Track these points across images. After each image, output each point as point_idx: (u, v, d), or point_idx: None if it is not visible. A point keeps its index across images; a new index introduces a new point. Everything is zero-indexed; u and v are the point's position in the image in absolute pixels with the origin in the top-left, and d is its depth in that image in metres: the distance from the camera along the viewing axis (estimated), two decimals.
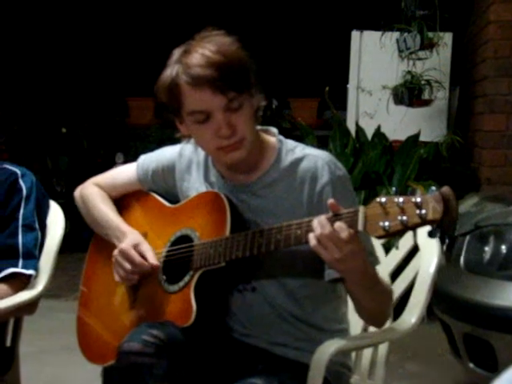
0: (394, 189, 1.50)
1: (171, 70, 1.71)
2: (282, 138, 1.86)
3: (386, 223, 1.44)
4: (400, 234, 1.47)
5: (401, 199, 1.44)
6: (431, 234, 1.43)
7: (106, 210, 2.04)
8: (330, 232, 1.52)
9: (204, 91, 1.67)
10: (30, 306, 2.15)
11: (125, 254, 1.86)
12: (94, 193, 2.08)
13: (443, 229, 1.41)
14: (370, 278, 1.65)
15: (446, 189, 1.41)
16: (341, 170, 1.78)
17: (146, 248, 1.88)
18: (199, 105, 1.69)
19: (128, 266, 1.85)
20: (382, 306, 1.75)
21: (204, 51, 1.67)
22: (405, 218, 1.42)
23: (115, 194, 2.10)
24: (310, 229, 1.57)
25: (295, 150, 1.82)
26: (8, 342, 2.27)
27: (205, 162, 1.91)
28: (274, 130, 1.88)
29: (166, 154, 2.01)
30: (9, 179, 2.18)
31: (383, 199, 1.46)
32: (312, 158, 1.78)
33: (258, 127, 1.85)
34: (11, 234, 2.13)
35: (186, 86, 1.68)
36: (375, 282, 1.68)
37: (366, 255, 1.62)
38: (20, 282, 2.12)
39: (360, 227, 1.49)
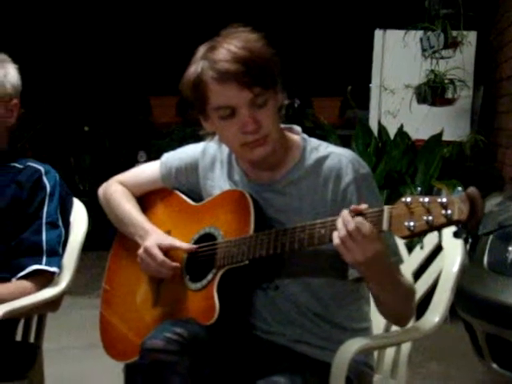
0: (418, 189, 1.50)
1: (196, 66, 1.72)
2: (305, 136, 1.86)
3: (411, 223, 1.44)
4: (425, 234, 1.47)
5: (426, 199, 1.43)
6: (456, 235, 1.43)
7: (129, 209, 2.05)
8: (354, 232, 1.51)
9: (230, 86, 1.67)
10: (53, 303, 2.17)
11: (148, 252, 1.87)
12: (117, 191, 2.09)
13: (468, 229, 1.40)
14: (393, 279, 1.64)
15: (472, 189, 1.40)
16: (364, 168, 1.78)
17: (171, 240, 1.89)
18: (225, 100, 1.69)
19: (152, 263, 1.86)
20: (404, 306, 1.74)
21: (230, 47, 1.68)
22: (430, 218, 1.42)
23: (138, 192, 2.10)
24: (334, 228, 1.57)
25: (319, 148, 1.81)
26: (32, 339, 2.29)
27: (228, 159, 1.91)
28: (298, 128, 1.88)
29: (189, 151, 2.02)
30: (33, 177, 2.20)
31: (408, 199, 1.46)
32: (336, 156, 1.77)
33: (282, 125, 1.85)
34: (35, 231, 2.14)
35: (212, 81, 1.69)
36: (397, 282, 1.67)
37: (389, 256, 1.61)
38: (44, 279, 2.13)
39: (385, 227, 1.48)
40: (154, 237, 1.91)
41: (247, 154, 1.76)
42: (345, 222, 1.54)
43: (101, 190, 2.14)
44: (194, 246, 1.86)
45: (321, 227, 1.61)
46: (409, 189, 4.23)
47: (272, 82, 1.72)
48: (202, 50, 1.74)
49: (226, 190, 1.88)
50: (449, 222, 1.40)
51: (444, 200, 1.41)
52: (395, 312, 1.74)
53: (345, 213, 1.55)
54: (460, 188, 1.41)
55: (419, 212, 1.44)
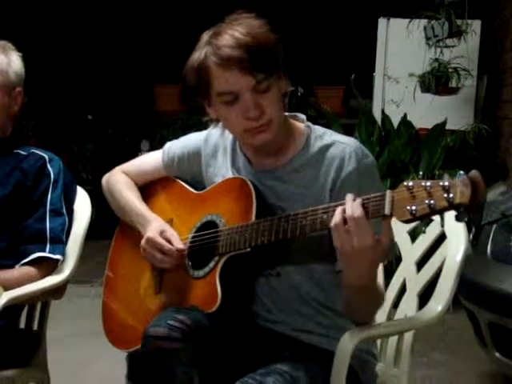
0: (420, 173, 1.49)
1: (200, 52, 1.72)
2: (310, 124, 1.85)
3: (413, 207, 1.43)
4: (427, 217, 1.46)
5: (428, 183, 1.43)
6: (458, 218, 1.42)
7: (131, 197, 2.05)
8: (350, 219, 1.51)
9: (233, 72, 1.67)
10: (57, 291, 2.17)
11: (152, 243, 1.87)
12: (120, 180, 2.10)
13: (470, 212, 1.40)
14: (369, 280, 1.62)
15: (474, 173, 1.39)
16: (368, 157, 1.77)
17: (171, 233, 1.89)
18: (228, 85, 1.69)
19: (158, 254, 1.86)
20: (367, 309, 1.73)
21: (233, 33, 1.68)
22: (432, 201, 1.41)
23: (142, 181, 2.11)
24: None
25: (324, 137, 1.81)
26: (35, 326, 2.29)
27: (232, 146, 1.91)
28: (302, 116, 1.88)
29: (191, 140, 2.02)
30: (37, 164, 2.20)
31: (410, 183, 1.45)
32: (340, 144, 1.77)
33: (286, 113, 1.85)
34: (39, 218, 2.14)
35: (215, 66, 1.68)
36: (373, 286, 1.66)
37: (377, 258, 1.59)
38: (47, 267, 2.13)
39: (387, 211, 1.48)
40: (155, 226, 1.91)
41: (250, 139, 1.76)
42: (342, 210, 1.54)
43: (104, 180, 2.14)
44: (185, 249, 1.86)
45: (323, 212, 1.61)
46: (412, 178, 4.23)
47: (275, 68, 1.72)
48: (205, 36, 1.74)
49: (227, 177, 1.88)
50: (451, 205, 1.40)
51: (446, 183, 1.40)
52: (356, 312, 1.73)
53: (349, 197, 1.54)
54: (462, 172, 1.40)
55: (421, 196, 1.43)
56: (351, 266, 1.59)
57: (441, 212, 1.43)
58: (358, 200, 1.53)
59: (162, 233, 1.88)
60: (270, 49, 1.70)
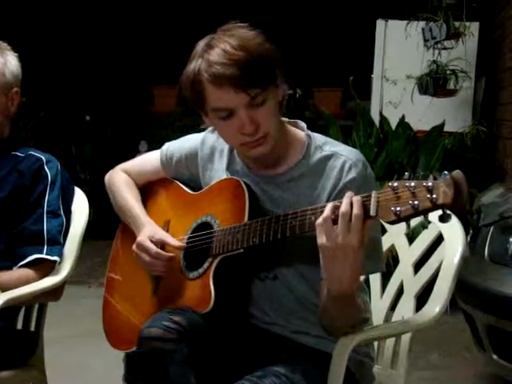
0: (406, 173, 1.49)
1: (194, 66, 1.69)
2: (310, 132, 1.84)
3: (398, 208, 1.43)
4: (411, 218, 1.46)
5: (412, 184, 1.42)
6: (442, 219, 1.42)
7: (129, 198, 2.06)
8: (342, 215, 1.50)
9: (226, 90, 1.65)
10: (54, 292, 2.17)
11: (141, 247, 1.88)
12: (120, 179, 2.10)
13: (453, 213, 1.40)
14: (349, 288, 1.59)
15: (456, 173, 1.39)
16: (367, 169, 1.76)
17: (162, 235, 1.89)
18: (222, 102, 1.68)
19: (147, 257, 1.87)
20: (342, 320, 1.69)
21: (226, 46, 1.65)
22: (416, 202, 1.41)
23: (142, 180, 2.12)
24: None
25: (324, 147, 1.80)
26: (32, 327, 2.29)
27: (229, 150, 1.91)
28: (303, 124, 1.86)
29: (189, 141, 2.02)
30: (34, 165, 2.19)
31: (395, 184, 1.45)
32: (340, 157, 1.76)
33: (286, 119, 1.84)
34: (36, 220, 2.14)
35: (208, 83, 1.66)
36: (351, 296, 1.62)
37: (360, 266, 1.57)
38: (45, 268, 2.13)
39: (372, 212, 1.48)
40: (146, 230, 1.92)
41: (246, 152, 1.76)
42: (334, 206, 1.53)
43: (106, 178, 2.16)
44: (183, 245, 1.87)
45: (312, 214, 1.61)
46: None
47: (271, 79, 1.69)
48: (199, 46, 1.71)
49: (222, 178, 1.88)
50: (434, 206, 1.40)
51: (429, 184, 1.40)
52: (331, 320, 1.70)
53: (348, 194, 1.54)
54: (446, 172, 1.40)
55: (405, 196, 1.43)
56: (332, 266, 1.56)
57: (424, 213, 1.43)
58: (358, 198, 1.53)
59: (152, 237, 1.89)
60: (263, 62, 1.67)
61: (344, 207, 1.51)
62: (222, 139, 1.90)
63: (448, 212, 1.41)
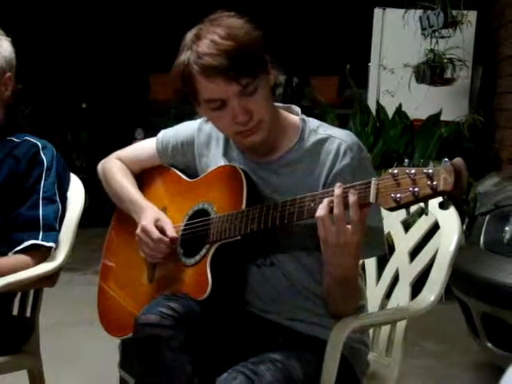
0: (406, 160, 1.49)
1: (184, 58, 1.69)
2: (304, 117, 1.84)
3: (398, 195, 1.43)
4: (411, 205, 1.46)
5: (412, 170, 1.42)
6: (442, 206, 1.42)
7: (126, 184, 2.05)
8: (337, 212, 1.52)
9: (217, 81, 1.64)
10: (50, 278, 2.16)
11: (145, 231, 1.87)
12: (115, 166, 2.10)
13: (453, 200, 1.40)
14: (349, 270, 1.62)
15: (457, 160, 1.39)
16: (363, 151, 1.76)
17: (165, 221, 1.89)
18: (214, 93, 1.67)
19: (151, 242, 1.86)
20: (346, 301, 1.73)
21: (214, 37, 1.64)
22: (416, 189, 1.41)
23: (137, 168, 2.11)
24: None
25: (318, 130, 1.80)
26: (28, 313, 2.29)
27: (226, 137, 1.90)
28: (297, 108, 1.86)
29: (185, 128, 2.02)
30: (30, 151, 2.19)
31: (395, 170, 1.45)
32: (335, 139, 1.76)
33: (280, 104, 1.84)
34: (32, 206, 2.14)
35: (199, 75, 1.66)
36: (352, 277, 1.66)
37: (360, 253, 1.60)
38: (40, 254, 2.13)
39: (372, 199, 1.48)
40: (149, 214, 1.91)
41: (241, 141, 1.77)
42: (329, 201, 1.54)
43: (100, 166, 2.15)
44: (176, 236, 1.86)
45: (310, 201, 1.61)
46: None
47: (261, 66, 1.69)
48: (188, 37, 1.70)
49: (220, 165, 1.88)
50: (434, 192, 1.40)
51: (430, 171, 1.40)
52: (336, 303, 1.74)
53: (337, 187, 1.54)
54: (446, 159, 1.40)
55: (405, 183, 1.43)
56: (334, 257, 1.58)
57: (425, 199, 1.43)
58: (340, 193, 1.53)
59: (156, 221, 1.88)
60: (252, 50, 1.66)
61: (337, 210, 1.52)
62: None
63: (448, 199, 1.42)
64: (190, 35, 1.71)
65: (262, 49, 1.70)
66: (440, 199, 1.42)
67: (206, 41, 1.65)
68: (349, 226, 1.53)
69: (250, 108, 1.68)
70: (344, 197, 1.52)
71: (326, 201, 1.55)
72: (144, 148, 2.11)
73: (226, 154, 1.90)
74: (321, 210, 1.54)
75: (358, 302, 1.79)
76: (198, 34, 1.69)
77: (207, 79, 1.65)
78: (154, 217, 1.90)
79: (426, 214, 1.50)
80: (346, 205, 1.52)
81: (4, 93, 2.20)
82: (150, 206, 1.96)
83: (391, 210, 1.47)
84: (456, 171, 1.38)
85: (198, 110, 1.80)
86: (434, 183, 1.39)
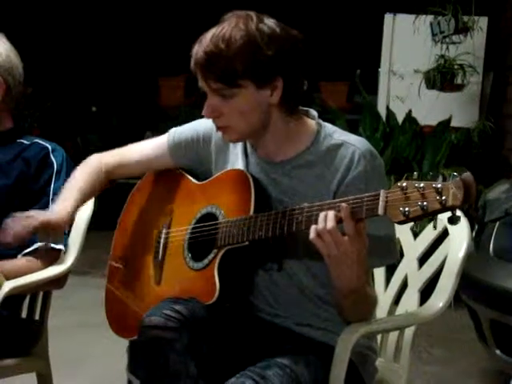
0: (415, 173, 1.49)
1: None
2: (320, 121, 1.84)
3: (407, 208, 1.44)
4: (420, 219, 1.46)
5: (421, 184, 1.43)
6: (452, 221, 1.43)
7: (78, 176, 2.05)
8: (333, 227, 1.53)
9: (198, 72, 1.72)
10: (59, 281, 2.17)
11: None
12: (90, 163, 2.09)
13: (459, 209, 1.41)
14: (357, 281, 1.62)
15: (466, 175, 1.40)
16: (376, 159, 1.76)
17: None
18: (199, 82, 1.74)
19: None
20: (359, 312, 1.74)
21: (209, 35, 1.69)
22: (425, 203, 1.42)
23: (142, 167, 2.08)
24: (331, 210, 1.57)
25: (333, 135, 1.80)
26: (37, 316, 2.30)
27: None
28: (314, 112, 1.86)
29: (200, 124, 1.99)
30: (40, 154, 2.20)
31: (404, 184, 1.46)
32: (349, 146, 1.75)
33: (299, 108, 1.84)
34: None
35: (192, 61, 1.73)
36: (361, 288, 1.66)
37: (365, 260, 1.60)
38: (50, 257, 2.14)
39: (380, 211, 1.48)
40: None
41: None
42: (326, 217, 1.56)
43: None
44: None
45: (318, 210, 1.61)
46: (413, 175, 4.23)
47: (246, 79, 1.68)
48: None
49: (228, 169, 1.88)
50: (443, 207, 1.40)
51: (439, 185, 1.40)
52: (348, 314, 1.74)
53: (342, 206, 1.55)
54: (455, 173, 1.41)
55: (414, 197, 1.43)
56: (338, 270, 1.60)
57: (433, 214, 1.44)
58: (331, 213, 1.55)
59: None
60: (237, 61, 1.65)
61: (329, 225, 1.54)
62: None
63: (457, 214, 1.42)
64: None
65: (259, 62, 1.67)
66: (449, 214, 1.42)
67: (211, 33, 1.70)
68: (346, 237, 1.54)
69: (221, 109, 1.73)
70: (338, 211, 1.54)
71: (320, 220, 1.56)
72: (152, 146, 2.08)
73: (244, 151, 1.89)
74: (313, 233, 1.57)
75: (371, 310, 1.79)
76: (209, 30, 1.73)
77: (194, 67, 1.72)
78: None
79: (435, 228, 1.50)
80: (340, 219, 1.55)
81: None
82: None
83: (399, 223, 1.48)
84: (465, 186, 1.38)
85: None
86: (443, 198, 1.39)
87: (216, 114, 1.73)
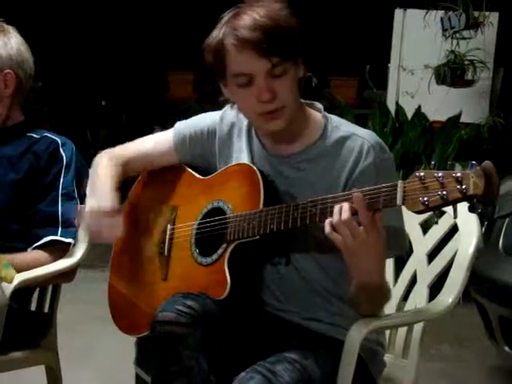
0: (432, 162, 1.48)
1: (219, 32, 1.72)
2: (326, 114, 1.84)
3: (426, 198, 1.43)
4: (439, 208, 1.46)
5: (440, 174, 1.42)
6: (472, 209, 1.41)
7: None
8: (348, 218, 1.53)
9: (249, 54, 1.67)
10: (68, 274, 2.18)
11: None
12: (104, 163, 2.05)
13: (484, 204, 1.39)
14: (378, 274, 1.63)
15: (487, 163, 1.39)
16: (386, 152, 1.76)
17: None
18: (243, 68, 1.69)
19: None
20: (374, 304, 1.74)
21: (253, 14, 1.68)
22: (445, 192, 1.41)
23: (146, 163, 2.06)
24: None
25: (340, 128, 1.79)
26: (46, 309, 2.31)
27: (247, 128, 1.89)
28: (320, 105, 1.86)
29: (205, 118, 1.99)
30: (49, 148, 2.20)
31: (422, 173, 1.45)
32: (358, 138, 1.75)
33: (303, 101, 1.84)
34: (51, 202, 2.15)
35: (231, 47, 1.68)
36: (379, 281, 1.65)
37: (384, 252, 1.60)
38: (59, 250, 2.14)
39: (399, 201, 1.48)
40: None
41: (264, 125, 1.76)
42: (341, 208, 1.55)
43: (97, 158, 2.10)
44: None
45: (332, 202, 1.60)
46: (424, 169, 4.22)
47: (293, 52, 1.70)
48: (226, 15, 1.74)
49: (234, 163, 1.87)
50: (464, 196, 1.39)
51: (459, 174, 1.39)
52: (363, 308, 1.73)
53: (355, 195, 1.54)
54: (474, 162, 1.39)
55: (433, 187, 1.43)
56: (357, 262, 1.60)
57: (453, 203, 1.43)
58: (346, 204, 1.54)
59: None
60: (288, 32, 1.69)
61: (344, 216, 1.54)
62: (240, 116, 1.88)
63: (477, 202, 1.41)
64: (228, 13, 1.74)
65: (297, 36, 1.72)
66: (467, 203, 1.42)
67: (245, 16, 1.69)
68: (361, 227, 1.53)
69: (275, 89, 1.69)
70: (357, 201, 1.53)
71: (335, 212, 1.56)
72: (156, 140, 2.06)
73: (248, 145, 1.89)
74: (329, 225, 1.56)
75: (384, 304, 1.78)
76: (237, 11, 1.72)
77: (239, 51, 1.68)
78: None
79: (455, 218, 1.49)
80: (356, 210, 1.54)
81: (3, 90, 2.18)
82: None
83: (419, 212, 1.47)
84: (486, 175, 1.37)
85: (224, 90, 1.81)
86: (464, 187, 1.39)
87: (273, 94, 1.69)
